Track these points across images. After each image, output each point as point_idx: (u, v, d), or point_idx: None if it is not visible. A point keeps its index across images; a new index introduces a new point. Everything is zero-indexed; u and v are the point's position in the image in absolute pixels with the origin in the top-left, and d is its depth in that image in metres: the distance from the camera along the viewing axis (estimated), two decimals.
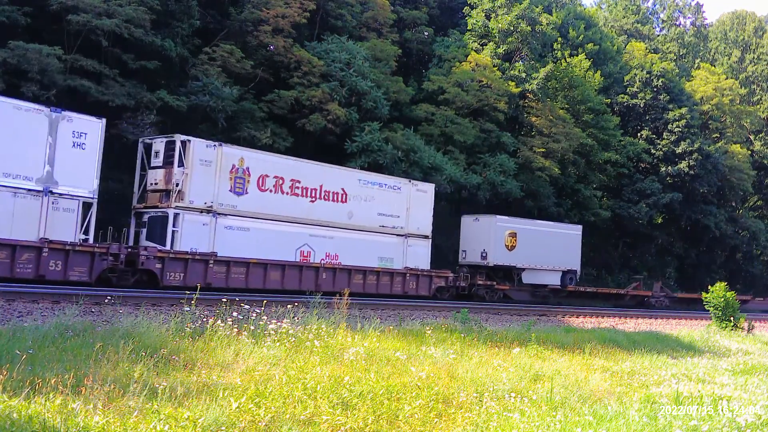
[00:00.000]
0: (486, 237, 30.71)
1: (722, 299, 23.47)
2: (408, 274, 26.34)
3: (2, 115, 17.30)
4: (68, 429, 5.62)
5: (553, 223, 34.44)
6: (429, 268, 27.63)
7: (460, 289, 28.92)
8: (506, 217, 31.87)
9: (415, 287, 26.48)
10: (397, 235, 26.71)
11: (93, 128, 18.79)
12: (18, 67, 21.43)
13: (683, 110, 46.61)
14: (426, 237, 27.86)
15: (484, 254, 30.60)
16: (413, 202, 27.41)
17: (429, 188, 28.56)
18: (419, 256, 27.36)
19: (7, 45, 21.37)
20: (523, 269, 31.59)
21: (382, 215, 26.22)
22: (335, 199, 24.83)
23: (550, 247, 32.17)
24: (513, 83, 38.15)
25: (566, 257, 33.00)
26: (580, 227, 34.61)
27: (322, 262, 23.76)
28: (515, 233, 31.18)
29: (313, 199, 24.14)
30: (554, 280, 32.71)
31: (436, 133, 34.73)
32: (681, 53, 63.03)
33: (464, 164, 34.84)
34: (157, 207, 21.04)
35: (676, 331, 21.47)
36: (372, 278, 24.94)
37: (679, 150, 45.72)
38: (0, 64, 21.10)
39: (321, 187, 24.46)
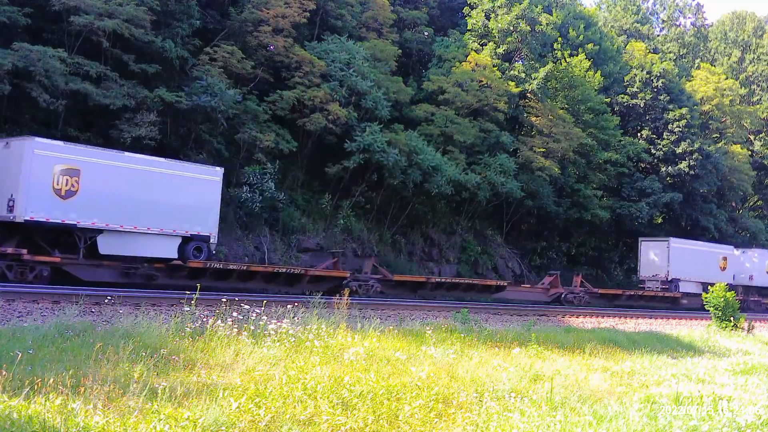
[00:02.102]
0: (15, 174, 18.76)
1: (722, 299, 23.46)
2: None
3: None
4: (68, 429, 5.62)
5: (157, 160, 21.54)
6: None
7: None
8: (56, 143, 19.59)
9: None
10: None
11: None
12: (23, 69, 21.43)
13: (683, 110, 46.61)
14: None
15: (11, 204, 18.71)
16: None
17: None
18: None
19: (11, 47, 21.36)
20: (100, 231, 19.92)
21: None
22: None
23: (155, 199, 20.95)
24: (513, 83, 38.14)
25: (189, 216, 21.67)
26: (220, 170, 22.98)
27: None
28: (77, 171, 19.21)
29: None
30: (165, 250, 21.32)
31: (436, 133, 34.72)
32: (681, 53, 63.04)
33: (464, 164, 34.85)
34: None
35: (676, 331, 21.48)
36: None
37: (679, 150, 45.72)
38: (8, 68, 21.07)
39: None
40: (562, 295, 33.00)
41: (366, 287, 25.85)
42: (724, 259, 40.71)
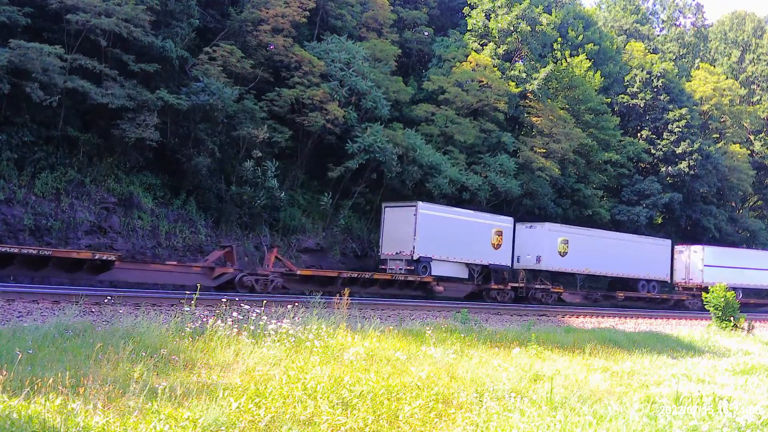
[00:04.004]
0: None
1: (722, 299, 23.47)
2: None
3: None
4: (68, 429, 5.62)
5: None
6: None
7: None
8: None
9: None
10: None
11: None
12: (20, 66, 21.41)
13: (683, 110, 46.63)
14: None
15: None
16: None
17: None
18: None
19: (8, 44, 21.34)
20: None
21: None
22: None
23: None
24: (513, 83, 38.14)
25: None
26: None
27: None
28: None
29: None
30: None
31: (436, 133, 34.74)
32: (681, 53, 63.04)
33: (464, 164, 34.85)
34: None
35: (676, 331, 21.48)
36: None
37: (679, 150, 45.73)
38: (4, 64, 21.05)
39: None
40: (236, 278, 22.91)
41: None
42: (499, 233, 31.47)
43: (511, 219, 32.75)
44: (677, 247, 40.46)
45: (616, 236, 37.27)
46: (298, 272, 24.50)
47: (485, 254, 30.75)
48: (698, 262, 39.34)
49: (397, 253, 28.57)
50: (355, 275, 26.36)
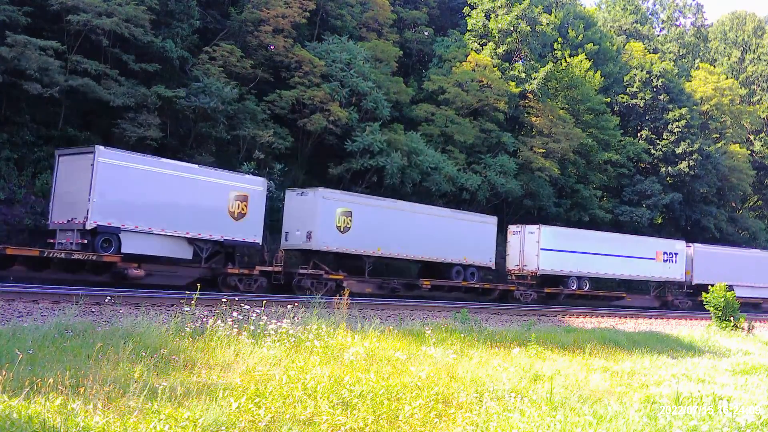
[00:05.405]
0: None
1: (722, 299, 23.46)
2: None
3: None
4: (68, 429, 5.61)
5: None
6: None
7: None
8: None
9: None
10: None
11: None
12: (18, 65, 21.41)
13: (683, 110, 46.64)
14: None
15: None
16: None
17: None
18: None
19: (5, 41, 21.32)
20: None
21: None
22: None
23: None
24: (513, 83, 38.16)
25: None
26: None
27: None
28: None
29: None
30: None
31: (436, 133, 34.75)
32: (681, 53, 63.04)
33: (464, 164, 34.86)
34: None
35: (676, 331, 21.47)
36: None
37: (679, 150, 45.75)
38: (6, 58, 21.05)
39: None
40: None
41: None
42: (242, 199, 23.29)
43: (263, 180, 24.45)
44: (511, 228, 33.64)
45: (420, 209, 29.31)
46: None
47: (220, 226, 22.69)
48: (534, 246, 32.34)
49: (69, 221, 20.26)
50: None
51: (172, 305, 15.83)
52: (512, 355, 12.07)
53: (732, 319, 23.02)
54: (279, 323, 10.99)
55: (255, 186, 23.82)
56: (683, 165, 45.45)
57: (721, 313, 23.35)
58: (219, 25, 29.83)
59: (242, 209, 23.29)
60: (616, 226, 43.23)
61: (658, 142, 46.71)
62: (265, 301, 13.95)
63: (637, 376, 11.93)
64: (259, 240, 23.77)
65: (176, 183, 21.77)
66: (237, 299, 14.89)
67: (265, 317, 11.37)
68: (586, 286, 33.96)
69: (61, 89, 22.45)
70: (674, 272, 37.63)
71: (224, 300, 13.18)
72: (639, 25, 60.12)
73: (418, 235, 28.26)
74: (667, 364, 13.83)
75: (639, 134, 47.96)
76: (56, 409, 5.96)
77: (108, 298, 15.07)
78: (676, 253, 37.92)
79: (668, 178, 46.24)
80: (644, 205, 43.67)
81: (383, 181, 31.34)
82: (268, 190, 24.79)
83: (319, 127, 29.03)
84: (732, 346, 18.34)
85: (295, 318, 12.10)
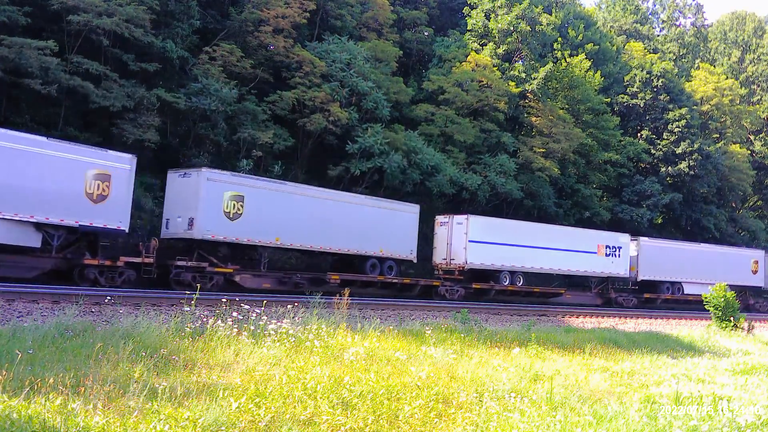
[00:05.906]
0: None
1: (722, 299, 23.46)
2: None
3: None
4: (68, 429, 5.62)
5: None
6: None
7: None
8: None
9: None
10: None
11: None
12: (17, 65, 21.41)
13: (683, 110, 46.64)
14: None
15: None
16: None
17: None
18: None
19: (3, 42, 21.31)
20: None
21: None
22: None
23: None
24: (513, 83, 38.16)
25: None
26: None
27: None
28: None
29: None
30: None
31: (436, 133, 34.75)
32: (681, 53, 63.05)
33: (464, 164, 34.85)
34: None
35: (676, 331, 21.47)
36: None
37: (679, 150, 45.74)
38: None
39: None
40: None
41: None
42: (104, 177, 20.17)
43: (130, 157, 20.94)
44: (439, 218, 30.46)
45: (329, 194, 26.32)
46: None
47: (74, 210, 19.65)
48: (462, 238, 29.33)
49: None
50: None
51: (172, 305, 15.85)
52: (512, 355, 12.08)
53: (732, 319, 23.03)
54: (279, 323, 11.00)
55: (120, 164, 20.43)
56: (683, 165, 45.44)
57: (721, 313, 23.36)
58: (219, 25, 29.82)
59: (103, 190, 20.08)
60: (617, 225, 43.29)
61: (658, 142, 46.71)
62: (265, 301, 13.97)
63: (637, 376, 11.93)
64: (125, 226, 20.58)
65: (19, 158, 18.47)
66: (237, 299, 14.91)
67: (265, 317, 11.38)
68: (519, 282, 30.88)
69: (61, 87, 22.45)
70: (618, 267, 34.72)
71: (224, 300, 13.20)
72: (639, 25, 60.13)
73: (326, 224, 25.16)
74: (667, 364, 13.83)
75: (639, 134, 47.95)
76: (56, 409, 5.96)
77: (108, 298, 15.09)
78: (619, 247, 35.02)
79: (668, 178, 46.24)
80: (644, 206, 43.66)
81: (384, 181, 31.35)
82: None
83: (319, 127, 29.03)
84: (732, 346, 18.34)
85: (295, 318, 12.12)
